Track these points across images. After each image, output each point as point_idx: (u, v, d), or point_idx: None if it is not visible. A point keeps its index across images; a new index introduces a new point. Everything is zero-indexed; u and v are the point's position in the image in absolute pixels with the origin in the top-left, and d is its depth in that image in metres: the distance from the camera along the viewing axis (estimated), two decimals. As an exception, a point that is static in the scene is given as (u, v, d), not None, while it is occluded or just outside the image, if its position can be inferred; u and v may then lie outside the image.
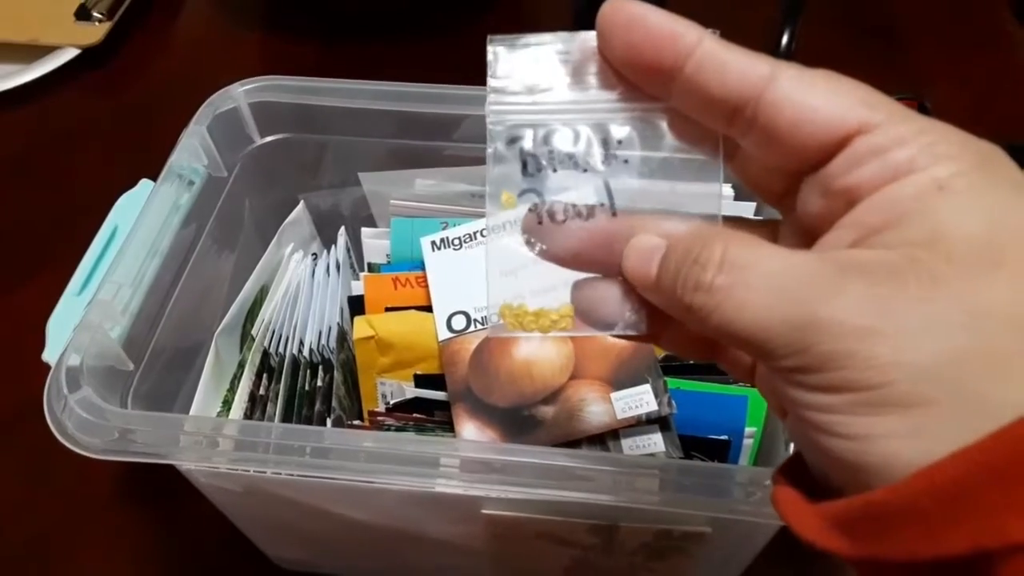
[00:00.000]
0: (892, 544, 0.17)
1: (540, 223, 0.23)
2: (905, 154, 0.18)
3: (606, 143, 0.22)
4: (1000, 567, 0.16)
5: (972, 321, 0.17)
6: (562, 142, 0.23)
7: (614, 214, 0.23)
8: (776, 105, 0.19)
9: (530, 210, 0.23)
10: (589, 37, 0.22)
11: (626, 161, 0.23)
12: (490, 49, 0.23)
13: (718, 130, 0.21)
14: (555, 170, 0.23)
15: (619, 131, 0.22)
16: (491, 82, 0.23)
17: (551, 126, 0.23)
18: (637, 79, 0.21)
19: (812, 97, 0.19)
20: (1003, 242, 0.17)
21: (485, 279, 0.24)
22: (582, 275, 0.24)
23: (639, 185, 0.23)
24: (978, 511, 0.16)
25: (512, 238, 0.23)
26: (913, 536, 0.17)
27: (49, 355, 0.41)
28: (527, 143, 0.23)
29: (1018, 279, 0.17)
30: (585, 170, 0.23)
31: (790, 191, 0.22)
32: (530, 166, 0.23)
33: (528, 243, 0.23)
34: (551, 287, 0.23)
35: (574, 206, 0.23)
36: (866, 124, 0.19)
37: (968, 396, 0.17)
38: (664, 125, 0.22)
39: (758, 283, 0.19)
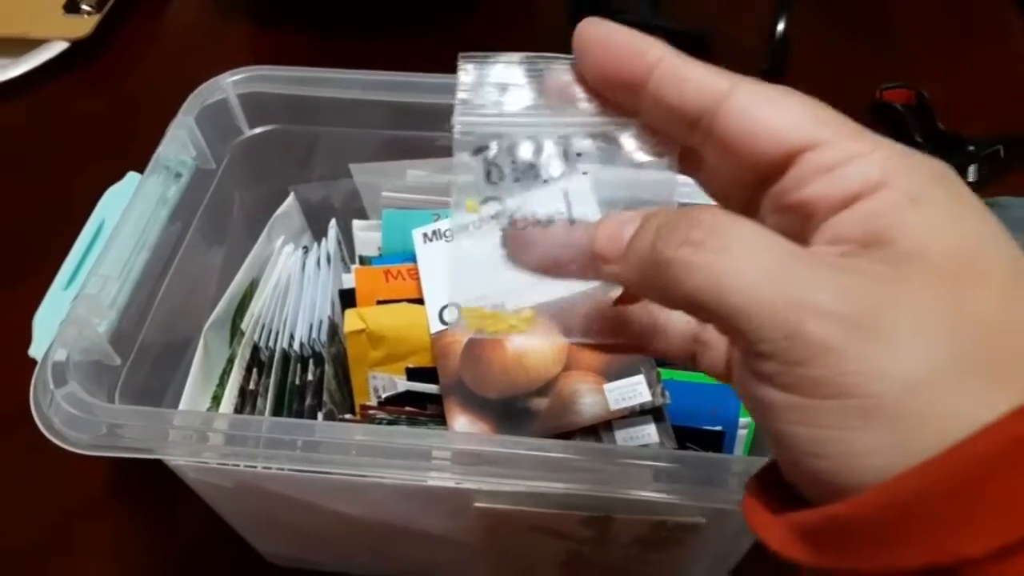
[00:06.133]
0: (852, 557, 0.17)
1: (509, 232, 0.24)
2: (857, 170, 0.19)
3: (567, 155, 0.24)
4: None
5: (961, 332, 0.17)
6: (525, 153, 0.24)
7: (572, 221, 0.24)
8: (730, 117, 0.20)
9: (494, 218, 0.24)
10: (555, 57, 0.23)
11: (585, 172, 0.24)
12: (461, 65, 0.24)
13: (681, 140, 0.22)
14: (517, 179, 0.24)
15: (580, 144, 0.23)
16: (459, 95, 0.24)
17: (515, 138, 0.24)
18: (608, 93, 0.23)
19: (763, 111, 0.20)
20: (981, 256, 0.18)
21: (448, 279, 0.25)
22: (542, 280, 0.24)
23: (597, 196, 0.24)
24: (933, 527, 0.16)
25: (473, 241, 0.24)
26: (871, 550, 0.17)
27: (36, 351, 0.41)
28: (491, 152, 0.24)
29: (1004, 293, 0.18)
30: (546, 180, 0.24)
31: (755, 208, 0.22)
32: (493, 174, 0.24)
33: (503, 249, 0.24)
34: (512, 290, 0.24)
35: (533, 213, 0.24)
36: (814, 140, 0.19)
37: (944, 410, 0.17)
38: (623, 140, 0.23)
39: (755, 249, 0.18)
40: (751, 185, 0.21)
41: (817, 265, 0.18)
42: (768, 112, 0.20)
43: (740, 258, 0.18)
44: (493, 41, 0.80)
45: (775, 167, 0.20)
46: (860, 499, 0.17)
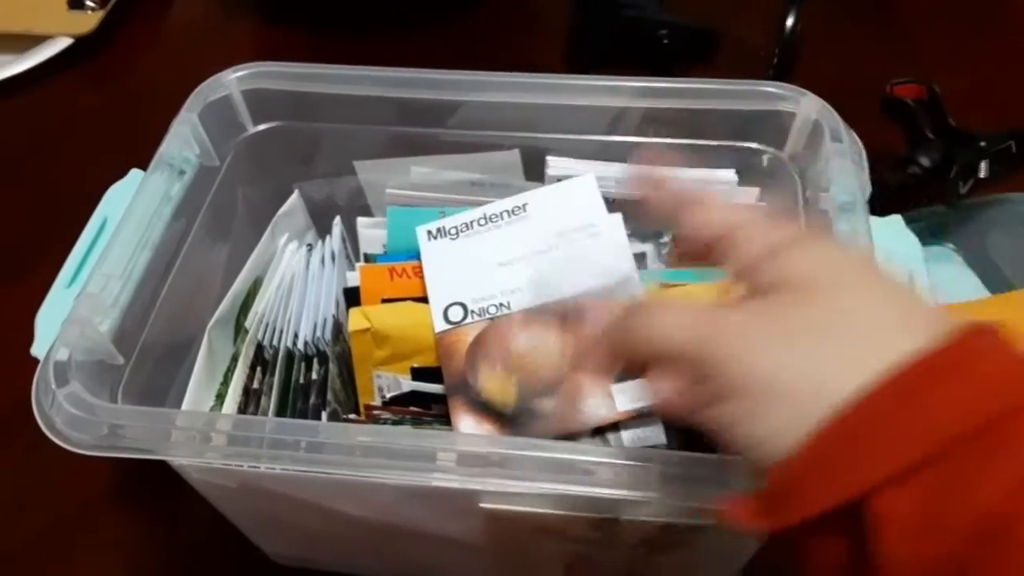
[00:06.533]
0: (796, 510, 0.23)
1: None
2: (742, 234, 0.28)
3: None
4: (868, 513, 0.21)
5: (824, 331, 0.24)
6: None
7: None
8: (688, 219, 0.30)
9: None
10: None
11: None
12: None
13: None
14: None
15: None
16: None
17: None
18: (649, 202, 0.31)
19: (703, 213, 0.29)
20: (833, 273, 0.25)
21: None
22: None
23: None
24: (839, 471, 0.22)
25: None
26: (806, 501, 0.22)
27: (38, 350, 0.40)
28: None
29: (857, 298, 0.25)
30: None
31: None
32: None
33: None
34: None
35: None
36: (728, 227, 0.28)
37: (818, 385, 0.23)
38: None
39: (678, 315, 0.27)
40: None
41: (717, 313, 0.26)
42: (703, 211, 0.29)
43: (669, 320, 0.27)
44: (494, 40, 0.80)
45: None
46: (781, 467, 0.23)
